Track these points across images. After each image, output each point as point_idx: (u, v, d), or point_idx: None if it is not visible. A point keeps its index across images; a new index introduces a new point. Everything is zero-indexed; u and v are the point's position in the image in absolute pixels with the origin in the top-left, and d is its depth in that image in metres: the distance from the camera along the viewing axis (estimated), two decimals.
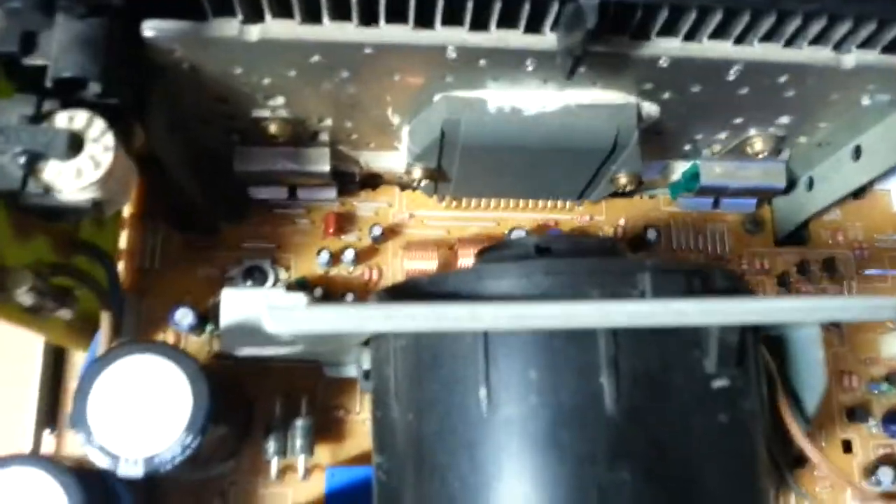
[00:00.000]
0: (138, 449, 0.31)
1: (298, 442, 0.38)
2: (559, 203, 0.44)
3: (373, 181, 0.44)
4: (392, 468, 0.27)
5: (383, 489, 0.28)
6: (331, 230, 0.43)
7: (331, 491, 0.37)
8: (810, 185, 0.41)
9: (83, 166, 0.28)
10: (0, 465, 0.32)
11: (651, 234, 0.42)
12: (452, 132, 0.34)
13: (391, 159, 0.41)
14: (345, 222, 0.43)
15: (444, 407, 0.25)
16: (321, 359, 0.37)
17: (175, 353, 0.32)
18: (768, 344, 0.31)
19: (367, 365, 0.30)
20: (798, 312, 0.23)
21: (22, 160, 0.27)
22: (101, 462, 0.31)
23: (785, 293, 0.44)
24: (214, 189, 0.42)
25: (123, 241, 0.43)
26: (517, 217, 0.45)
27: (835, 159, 0.39)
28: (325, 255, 0.42)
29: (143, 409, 0.32)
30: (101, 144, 0.28)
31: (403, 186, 0.44)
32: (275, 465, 0.39)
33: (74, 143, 0.28)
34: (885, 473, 0.40)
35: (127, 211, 0.43)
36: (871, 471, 0.41)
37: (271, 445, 0.38)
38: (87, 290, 0.35)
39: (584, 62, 0.29)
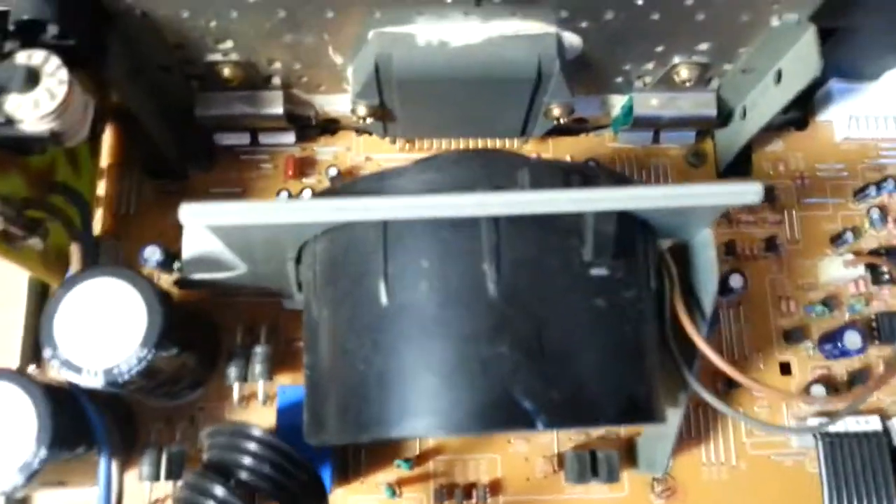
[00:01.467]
0: (99, 362, 0.34)
1: (258, 367, 0.41)
2: (507, 142, 0.46)
3: (331, 127, 0.47)
4: (315, 362, 0.30)
5: (309, 383, 0.30)
6: (290, 173, 0.45)
7: (282, 407, 0.39)
8: (744, 113, 0.43)
9: (40, 98, 0.31)
10: None
11: None
12: (386, 67, 0.36)
13: (343, 103, 0.43)
14: (305, 166, 0.46)
15: (352, 299, 0.28)
16: (273, 286, 0.40)
17: (131, 275, 0.35)
18: (677, 253, 0.33)
19: (300, 277, 0.33)
20: (655, 199, 0.25)
21: None
22: (66, 374, 0.34)
23: (724, 223, 0.46)
24: (181, 136, 0.45)
25: (102, 188, 0.46)
26: None
27: (762, 86, 0.40)
28: (283, 196, 0.44)
29: (105, 327, 0.35)
30: (55, 78, 0.32)
31: (360, 131, 0.47)
32: (236, 389, 0.42)
33: (31, 77, 0.31)
34: (817, 391, 0.42)
35: (105, 161, 0.46)
36: (806, 390, 0.43)
37: (232, 371, 0.41)
38: (58, 225, 0.38)
39: None
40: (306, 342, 0.31)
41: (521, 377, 0.25)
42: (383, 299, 0.26)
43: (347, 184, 0.30)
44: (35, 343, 0.44)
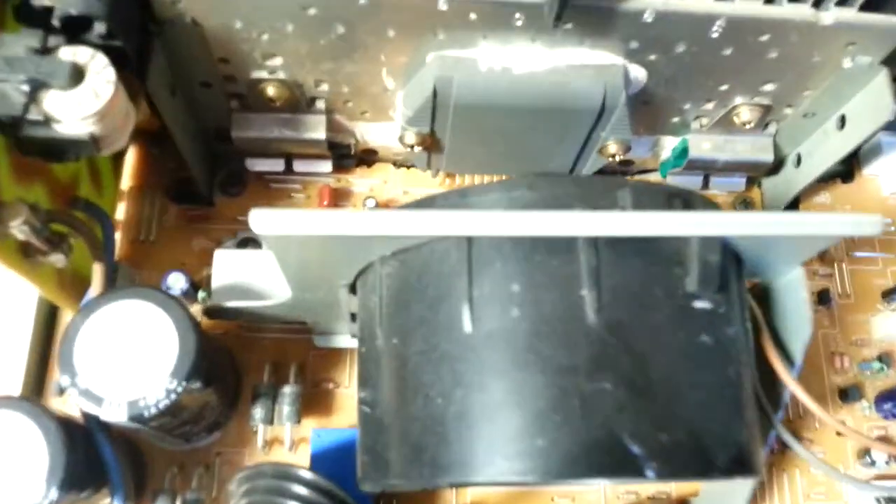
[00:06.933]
0: (123, 392, 0.31)
1: (286, 409, 0.38)
2: None
3: (369, 158, 0.45)
4: (376, 397, 0.27)
5: (368, 420, 0.27)
6: (325, 202, 0.43)
7: (316, 452, 0.36)
8: (798, 161, 0.42)
9: (83, 96, 0.29)
10: None
11: None
12: (445, 90, 0.35)
13: (386, 132, 0.42)
14: (340, 197, 0.44)
15: (429, 327, 0.25)
16: (310, 319, 0.37)
17: (164, 298, 0.32)
18: (756, 295, 0.31)
19: (354, 308, 0.30)
20: (774, 226, 0.23)
21: (25, 87, 0.28)
22: (85, 405, 0.31)
23: None
24: (213, 159, 0.43)
25: (121, 212, 0.43)
26: None
27: (821, 132, 0.40)
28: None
29: (131, 354, 0.32)
30: (102, 77, 0.29)
31: (398, 164, 0.45)
32: (261, 433, 0.38)
33: (76, 74, 0.29)
34: (878, 454, 0.40)
35: (126, 184, 0.44)
36: (864, 452, 0.41)
37: (258, 412, 0.38)
38: (81, 243, 0.35)
39: (569, 12, 0.30)
40: (363, 376, 0.29)
41: (627, 416, 0.22)
42: (467, 326, 0.24)
43: (422, 200, 0.28)
44: (40, 371, 0.41)
